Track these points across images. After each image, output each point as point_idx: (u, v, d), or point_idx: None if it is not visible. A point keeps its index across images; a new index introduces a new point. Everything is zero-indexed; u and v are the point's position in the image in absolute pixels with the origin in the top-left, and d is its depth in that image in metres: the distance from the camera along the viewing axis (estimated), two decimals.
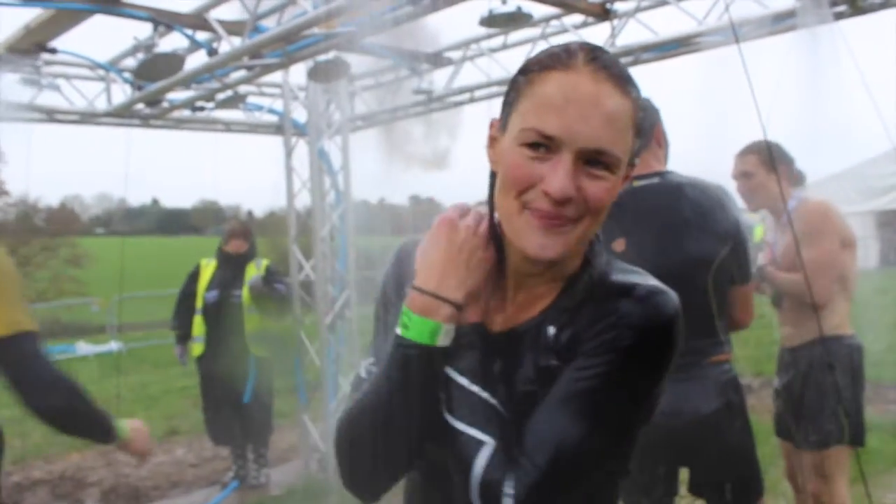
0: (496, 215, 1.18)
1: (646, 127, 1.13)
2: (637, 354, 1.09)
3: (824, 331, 3.22)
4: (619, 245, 2.47)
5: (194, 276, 6.05)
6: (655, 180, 2.60)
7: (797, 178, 3.57)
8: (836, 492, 3.33)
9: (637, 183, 2.58)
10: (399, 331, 1.14)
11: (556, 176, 1.03)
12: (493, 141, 1.17)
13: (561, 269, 1.17)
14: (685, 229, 2.51)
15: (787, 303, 3.48)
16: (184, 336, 6.02)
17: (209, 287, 5.88)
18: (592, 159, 1.05)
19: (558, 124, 1.04)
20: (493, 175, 1.18)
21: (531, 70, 1.10)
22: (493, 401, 1.12)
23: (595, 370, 1.08)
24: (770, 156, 3.42)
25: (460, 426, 1.10)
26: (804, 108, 3.68)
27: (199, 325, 5.87)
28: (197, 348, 5.91)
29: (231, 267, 5.89)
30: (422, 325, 1.12)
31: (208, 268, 6.01)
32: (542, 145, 1.05)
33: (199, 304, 5.88)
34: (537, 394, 1.12)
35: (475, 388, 1.12)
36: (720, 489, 2.63)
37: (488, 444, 1.08)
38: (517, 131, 1.08)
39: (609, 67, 1.07)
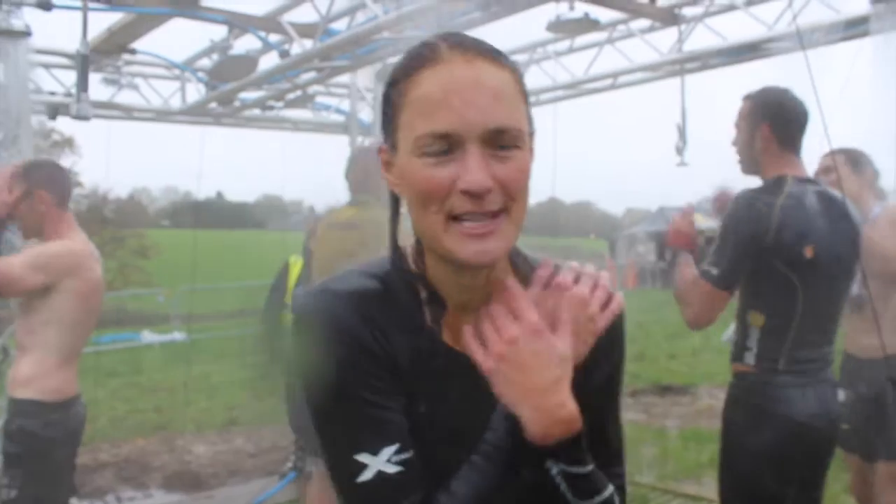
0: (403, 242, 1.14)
1: (528, 91, 1.08)
2: (625, 343, 1.22)
3: None
4: (810, 251, 2.51)
5: (283, 273, 6.15)
6: (820, 188, 2.66)
7: (878, 193, 3.54)
8: None
9: (811, 187, 2.62)
10: None
11: (468, 171, 0.97)
12: (387, 165, 1.09)
13: (495, 273, 1.11)
14: (848, 239, 2.61)
15: (881, 308, 3.33)
16: (273, 331, 6.12)
17: (298, 283, 5.96)
18: (496, 141, 0.98)
19: (449, 119, 0.97)
20: (394, 199, 1.12)
21: (400, 79, 1.03)
22: None
23: (610, 370, 1.19)
24: (857, 159, 3.45)
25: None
26: (879, 114, 3.61)
27: (287, 321, 5.96)
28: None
29: None
30: None
31: (296, 265, 6.10)
32: (442, 151, 0.98)
33: (287, 299, 5.98)
34: None
35: None
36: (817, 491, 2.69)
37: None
38: (411, 145, 1.00)
39: (476, 46, 1.01)
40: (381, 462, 1.03)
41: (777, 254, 2.51)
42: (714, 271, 2.57)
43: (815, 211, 2.54)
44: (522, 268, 1.15)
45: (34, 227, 3.08)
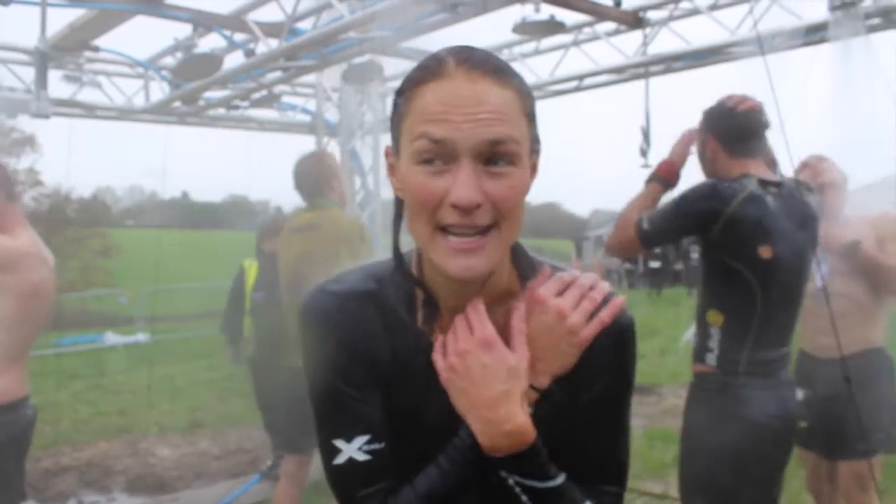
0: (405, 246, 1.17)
1: (535, 110, 1.09)
2: (633, 353, 1.18)
3: (873, 341, 3.39)
4: (767, 252, 2.52)
5: (240, 278, 6.09)
6: (785, 189, 2.66)
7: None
8: (874, 501, 3.35)
9: (772, 189, 2.62)
10: None
11: (458, 184, 0.99)
12: (392, 168, 1.12)
13: (496, 284, 1.13)
14: (812, 242, 2.64)
15: (842, 308, 3.35)
16: (234, 338, 6.07)
17: (256, 288, 5.90)
18: (491, 157, 1.00)
19: (445, 128, 0.99)
20: (398, 202, 1.14)
21: (407, 89, 1.06)
22: None
23: (608, 384, 1.15)
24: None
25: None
26: (837, 118, 3.69)
27: (248, 327, 5.90)
28: (250, 348, 5.92)
29: (272, 265, 5.91)
30: None
31: (251, 268, 6.04)
32: (438, 159, 1.00)
33: (247, 304, 5.92)
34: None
35: None
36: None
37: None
38: (409, 149, 1.03)
39: (482, 64, 1.03)
40: (353, 449, 1.12)
41: (728, 249, 2.55)
42: (646, 225, 2.62)
43: (776, 212, 2.56)
44: (526, 272, 1.16)
45: None
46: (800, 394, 3.55)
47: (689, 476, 2.74)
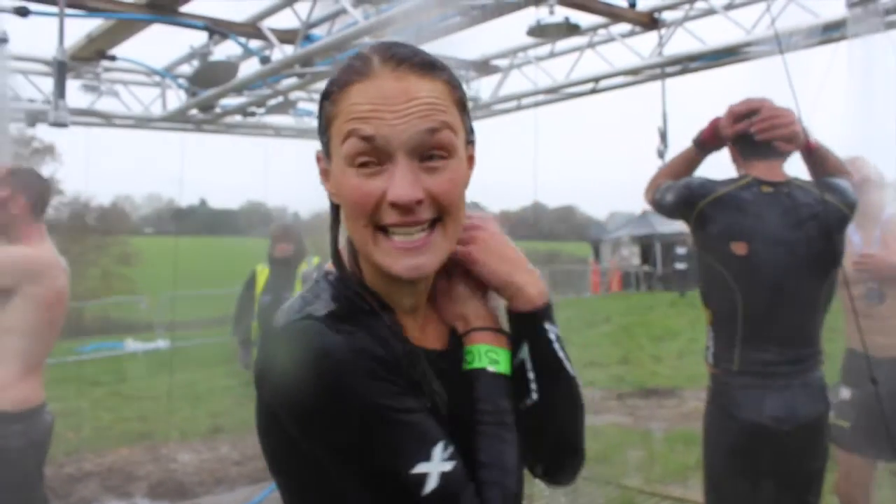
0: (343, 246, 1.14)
1: (467, 101, 1.10)
2: None
3: None
4: (741, 248, 2.51)
5: (251, 282, 6.16)
6: (785, 189, 2.62)
7: None
8: None
9: (766, 189, 2.60)
10: (493, 369, 1.11)
11: (396, 182, 0.97)
12: (325, 173, 1.09)
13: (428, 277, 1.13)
14: (814, 242, 2.57)
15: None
16: (245, 341, 6.13)
17: (264, 292, 5.96)
18: (426, 152, 0.99)
19: (376, 125, 0.97)
20: (333, 207, 1.11)
21: (333, 91, 1.03)
22: None
23: None
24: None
25: None
26: (857, 116, 3.65)
27: (255, 330, 5.96)
28: (255, 352, 5.97)
29: (282, 271, 5.97)
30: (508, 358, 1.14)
31: (263, 273, 6.11)
32: (373, 160, 0.98)
33: (255, 308, 5.98)
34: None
35: None
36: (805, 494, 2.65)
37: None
38: (340, 151, 1.00)
39: (408, 60, 1.01)
40: (437, 464, 0.98)
41: (703, 245, 2.59)
42: (657, 195, 2.78)
43: (760, 211, 2.54)
44: None
45: (2, 228, 3.02)
46: (845, 393, 3.48)
47: (705, 476, 2.73)
